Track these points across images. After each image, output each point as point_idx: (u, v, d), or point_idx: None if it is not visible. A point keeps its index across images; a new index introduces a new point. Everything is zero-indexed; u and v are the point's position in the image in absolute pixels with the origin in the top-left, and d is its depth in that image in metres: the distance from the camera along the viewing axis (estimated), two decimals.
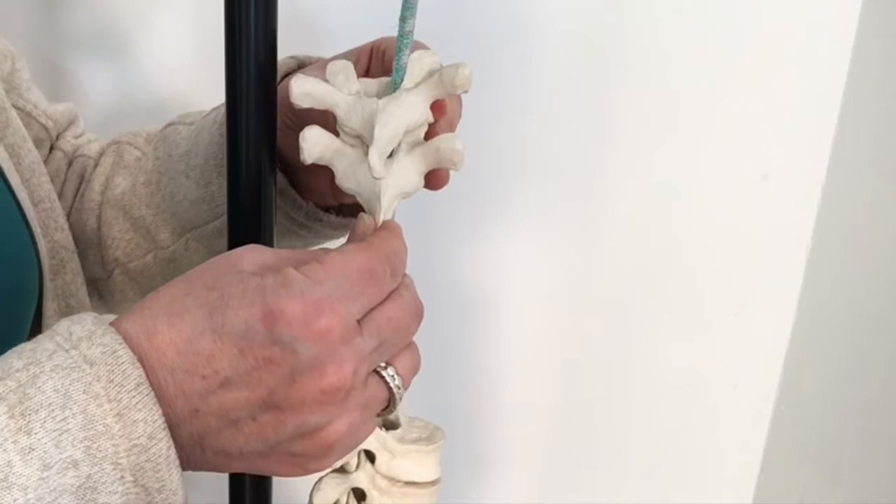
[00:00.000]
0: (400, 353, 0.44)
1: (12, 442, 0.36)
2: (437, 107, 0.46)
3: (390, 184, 0.45)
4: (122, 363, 0.38)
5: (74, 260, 0.60)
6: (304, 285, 0.39)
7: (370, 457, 0.50)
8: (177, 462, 0.39)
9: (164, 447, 0.38)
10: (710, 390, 1.07)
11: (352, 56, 0.53)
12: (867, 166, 0.98)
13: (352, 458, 0.49)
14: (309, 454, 0.42)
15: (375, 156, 0.44)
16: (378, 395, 0.43)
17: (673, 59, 0.94)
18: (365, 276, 0.41)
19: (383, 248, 0.43)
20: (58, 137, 0.69)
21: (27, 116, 0.65)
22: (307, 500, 0.51)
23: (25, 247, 0.54)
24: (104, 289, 0.67)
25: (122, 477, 0.37)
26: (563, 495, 1.09)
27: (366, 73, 0.53)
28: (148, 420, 0.37)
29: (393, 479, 0.49)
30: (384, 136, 0.44)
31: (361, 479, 0.49)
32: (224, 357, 0.39)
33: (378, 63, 0.53)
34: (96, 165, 0.68)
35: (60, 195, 0.67)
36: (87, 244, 0.65)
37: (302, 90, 0.45)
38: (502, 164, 0.96)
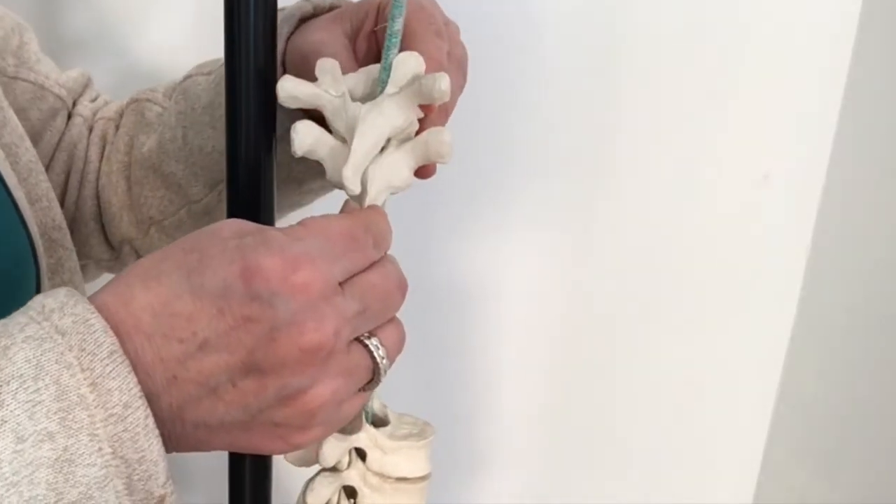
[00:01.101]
0: (384, 325, 0.43)
1: None
2: (424, 105, 0.46)
3: (377, 177, 0.45)
4: (95, 331, 0.37)
5: (72, 259, 0.60)
6: (284, 242, 0.39)
7: (361, 455, 0.50)
8: (156, 432, 0.38)
9: (141, 416, 0.37)
10: (710, 390, 1.07)
11: (360, 12, 0.53)
12: (867, 166, 0.98)
13: (343, 457, 0.49)
14: (291, 423, 0.41)
15: (349, 172, 0.44)
16: (361, 363, 0.42)
17: (674, 60, 0.94)
18: (346, 239, 0.41)
19: (365, 218, 0.43)
20: (75, 104, 0.68)
21: (40, 88, 0.65)
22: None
23: (22, 246, 0.54)
24: (141, 248, 0.67)
25: (99, 448, 0.36)
26: (561, 495, 1.09)
27: (373, 30, 0.53)
28: (123, 388, 0.37)
29: (384, 476, 0.49)
30: (361, 149, 0.44)
31: (353, 476, 0.49)
32: (203, 317, 0.38)
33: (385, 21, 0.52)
34: (117, 126, 0.68)
35: (86, 160, 0.67)
36: (121, 206, 0.65)
37: (288, 93, 0.46)
38: (501, 164, 0.96)
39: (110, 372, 0.37)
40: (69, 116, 0.68)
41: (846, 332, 1.03)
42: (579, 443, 1.08)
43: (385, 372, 0.43)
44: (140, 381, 0.37)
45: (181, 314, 0.38)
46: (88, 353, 0.36)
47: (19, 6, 0.85)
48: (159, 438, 0.38)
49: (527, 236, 0.99)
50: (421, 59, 0.46)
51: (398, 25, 0.45)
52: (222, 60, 0.62)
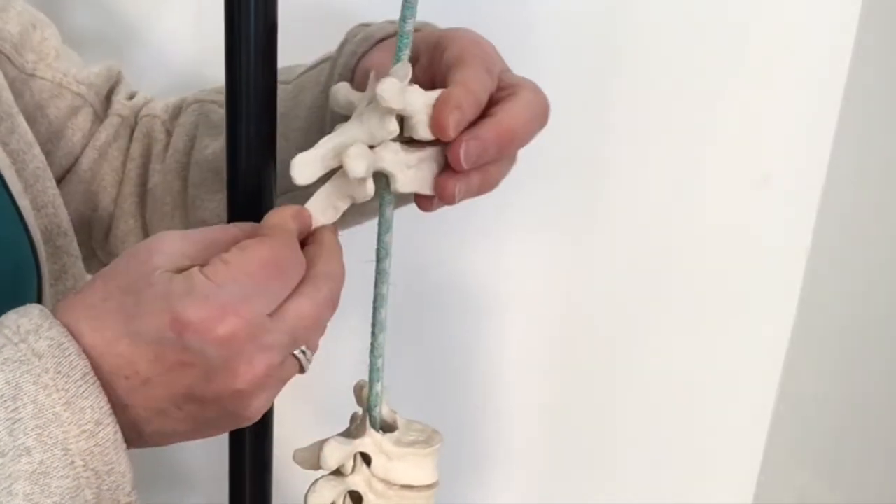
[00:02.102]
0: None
1: None
2: (435, 126, 0.45)
3: (335, 184, 0.46)
4: (69, 355, 0.40)
5: (77, 265, 0.60)
6: (208, 290, 0.41)
7: (366, 459, 0.49)
8: (124, 445, 0.41)
9: (110, 432, 0.40)
10: (710, 390, 1.07)
11: (420, 44, 0.52)
12: (867, 166, 0.98)
13: (347, 462, 0.49)
14: (237, 422, 0.45)
15: (297, 159, 0.45)
16: (292, 370, 0.45)
17: (673, 59, 0.94)
18: (269, 270, 0.42)
19: (288, 239, 0.44)
20: (109, 101, 0.68)
21: (57, 86, 0.65)
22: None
23: (24, 253, 0.54)
24: None
25: (72, 462, 0.39)
26: (564, 496, 1.09)
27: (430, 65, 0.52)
28: (95, 407, 0.40)
29: (389, 483, 0.49)
30: (324, 146, 0.45)
31: (357, 482, 0.49)
32: (142, 361, 0.41)
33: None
34: (164, 123, 0.67)
35: (127, 157, 0.67)
36: (175, 205, 0.65)
37: (332, 96, 0.48)
38: None
39: (83, 392, 0.40)
40: (103, 116, 0.67)
41: (846, 332, 1.03)
42: (579, 443, 1.08)
43: (309, 363, 0.45)
44: None
45: (122, 356, 0.41)
46: (63, 376, 0.39)
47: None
48: (126, 452, 0.41)
49: (527, 237, 0.99)
50: (408, 69, 0.45)
51: (409, 27, 0.45)
52: (300, 69, 0.61)
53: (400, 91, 0.44)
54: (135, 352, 0.41)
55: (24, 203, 0.55)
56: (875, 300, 1.00)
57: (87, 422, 0.39)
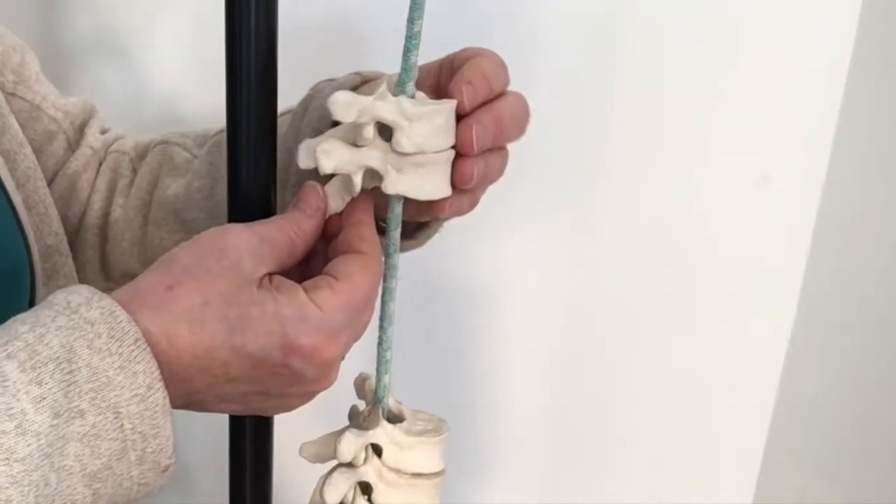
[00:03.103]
0: None
1: (25, 392, 0.39)
2: (459, 138, 0.47)
3: (339, 179, 0.49)
4: (121, 322, 0.41)
5: (68, 264, 0.60)
6: (319, 320, 0.44)
7: (377, 450, 0.50)
8: (170, 410, 0.43)
9: (160, 397, 0.42)
10: (710, 390, 1.07)
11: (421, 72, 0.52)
12: (867, 166, 0.98)
13: (359, 453, 0.50)
14: (285, 411, 0.49)
15: (301, 146, 0.48)
16: None
17: (673, 59, 0.94)
18: (368, 300, 0.47)
19: (380, 264, 0.47)
20: (83, 133, 0.68)
21: (36, 109, 0.65)
22: (308, 496, 0.51)
23: (19, 250, 0.54)
24: None
25: (122, 425, 0.41)
26: (563, 495, 1.09)
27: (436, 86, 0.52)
28: (147, 371, 0.41)
29: (400, 472, 0.50)
30: (324, 137, 0.47)
31: (369, 472, 0.50)
32: (237, 367, 0.44)
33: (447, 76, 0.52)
34: (132, 161, 0.68)
35: (93, 188, 0.68)
36: (134, 241, 0.66)
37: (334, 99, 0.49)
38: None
39: (136, 357, 0.41)
40: (75, 146, 0.68)
41: (846, 332, 1.03)
42: (580, 443, 1.08)
43: None
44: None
45: (219, 360, 0.44)
46: (116, 340, 0.41)
47: (22, 14, 0.86)
48: (171, 416, 0.43)
49: (528, 237, 0.99)
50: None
51: (417, 27, 0.45)
52: None
53: (347, 105, 0.45)
54: (233, 360, 0.43)
55: (17, 201, 0.55)
56: (875, 300, 1.00)
57: (139, 386, 0.41)
